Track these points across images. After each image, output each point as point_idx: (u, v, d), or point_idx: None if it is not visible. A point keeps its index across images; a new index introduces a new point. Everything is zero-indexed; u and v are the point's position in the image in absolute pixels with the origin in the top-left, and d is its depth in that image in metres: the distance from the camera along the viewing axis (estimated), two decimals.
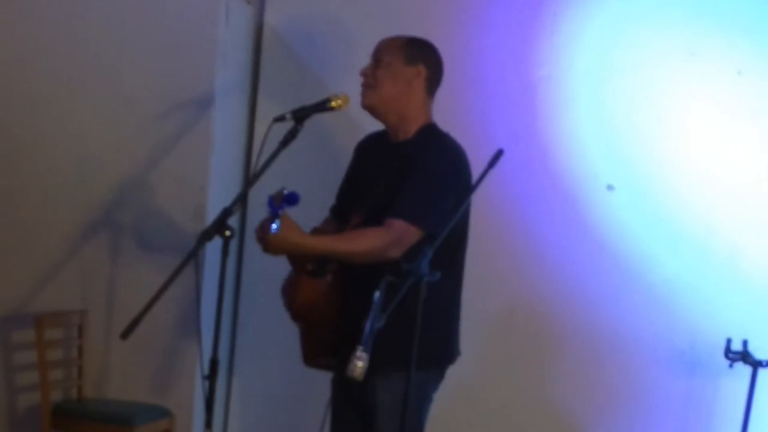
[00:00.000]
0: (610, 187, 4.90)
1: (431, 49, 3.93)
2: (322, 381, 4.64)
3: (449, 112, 4.83)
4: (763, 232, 4.80)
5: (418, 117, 3.85)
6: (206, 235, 3.63)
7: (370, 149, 3.99)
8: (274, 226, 3.35)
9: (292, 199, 3.40)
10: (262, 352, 5.17)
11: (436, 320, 3.57)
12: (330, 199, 5.12)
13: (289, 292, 3.86)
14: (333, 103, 3.88)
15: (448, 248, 3.62)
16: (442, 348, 3.80)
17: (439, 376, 3.83)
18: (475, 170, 4.00)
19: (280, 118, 3.80)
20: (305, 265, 3.76)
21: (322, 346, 3.87)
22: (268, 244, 3.62)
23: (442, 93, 4.95)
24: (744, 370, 4.52)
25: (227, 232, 3.62)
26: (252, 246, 5.15)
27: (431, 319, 3.26)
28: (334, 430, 4.00)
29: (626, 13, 4.87)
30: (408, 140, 3.82)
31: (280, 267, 5.17)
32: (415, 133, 3.83)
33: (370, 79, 3.85)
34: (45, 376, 4.68)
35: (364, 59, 5.06)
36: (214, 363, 3.68)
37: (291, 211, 5.19)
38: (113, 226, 4.91)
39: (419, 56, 3.86)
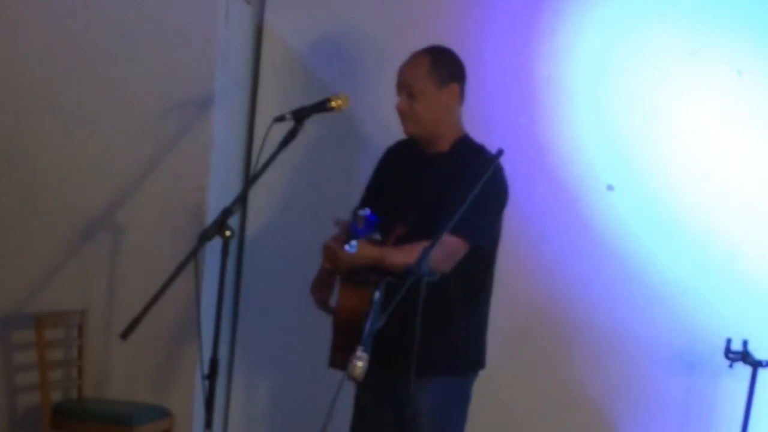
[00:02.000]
0: (610, 187, 4.89)
1: (455, 59, 3.94)
2: (321, 381, 4.62)
3: None
4: (762, 232, 4.79)
5: (454, 130, 3.90)
6: (206, 235, 3.64)
7: (402, 158, 3.99)
8: (353, 244, 3.42)
9: (372, 221, 3.51)
10: (262, 352, 5.17)
11: (474, 327, 3.85)
12: (329, 197, 5.13)
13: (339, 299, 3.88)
14: (333, 103, 3.89)
15: (485, 258, 3.81)
16: (479, 352, 3.95)
17: (474, 378, 3.97)
18: None
19: (280, 118, 3.81)
20: (353, 275, 3.78)
21: (350, 349, 3.87)
22: (340, 261, 3.68)
23: None
24: (744, 370, 4.52)
25: (227, 233, 3.63)
26: (252, 246, 5.17)
27: (470, 326, 3.69)
28: (359, 430, 4.02)
29: (626, 13, 4.87)
30: (446, 153, 3.87)
31: (280, 267, 5.19)
32: (451, 146, 3.88)
33: (408, 113, 3.85)
34: (45, 376, 4.68)
35: (364, 59, 5.08)
36: (214, 363, 3.69)
37: (295, 207, 5.19)
38: (113, 226, 4.91)
39: (449, 75, 3.88)
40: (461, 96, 3.92)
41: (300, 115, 3.80)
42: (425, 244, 3.66)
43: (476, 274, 3.82)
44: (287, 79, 5.10)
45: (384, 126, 5.07)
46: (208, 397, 3.67)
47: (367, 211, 3.55)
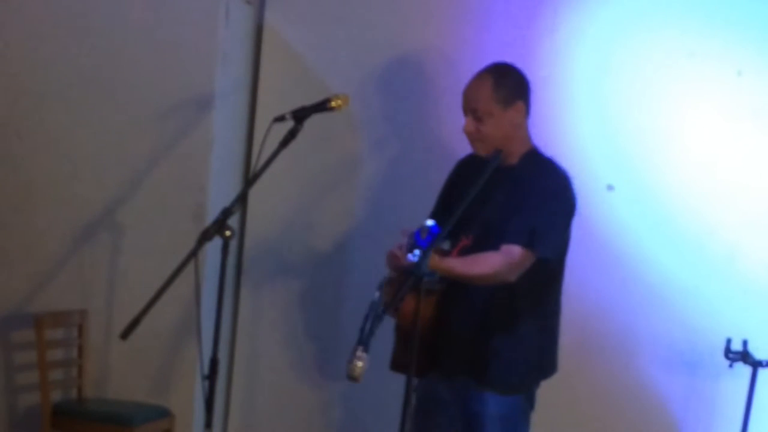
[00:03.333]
0: (610, 187, 4.89)
1: (517, 76, 3.91)
2: (320, 381, 4.64)
3: (449, 113, 4.84)
4: (763, 232, 4.79)
5: (522, 144, 3.88)
6: (206, 235, 3.64)
7: (472, 170, 3.92)
8: (416, 253, 3.44)
9: (435, 232, 3.52)
10: (262, 352, 5.17)
11: (541, 337, 3.88)
12: (329, 197, 5.13)
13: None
14: (333, 103, 3.89)
15: (552, 269, 3.82)
16: (547, 361, 3.96)
17: (538, 386, 3.98)
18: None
19: (280, 118, 3.81)
20: (418, 283, 3.77)
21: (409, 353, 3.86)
22: (402, 268, 3.68)
23: (442, 94, 4.96)
24: (744, 370, 4.52)
25: (227, 232, 3.63)
26: (252, 246, 5.17)
27: (538, 336, 3.79)
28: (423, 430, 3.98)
29: (626, 13, 4.87)
30: (514, 165, 3.85)
31: (280, 267, 5.18)
32: (520, 159, 3.86)
33: (476, 135, 3.83)
34: (45, 376, 4.69)
35: (364, 59, 5.07)
36: (214, 363, 3.69)
37: (295, 207, 5.19)
38: (113, 226, 4.91)
39: (514, 93, 3.84)
40: (527, 111, 3.88)
41: (300, 115, 3.80)
42: (488, 254, 3.71)
43: (542, 285, 3.82)
44: (287, 79, 5.10)
45: (384, 125, 5.08)
46: (208, 397, 3.67)
47: (431, 223, 3.56)
